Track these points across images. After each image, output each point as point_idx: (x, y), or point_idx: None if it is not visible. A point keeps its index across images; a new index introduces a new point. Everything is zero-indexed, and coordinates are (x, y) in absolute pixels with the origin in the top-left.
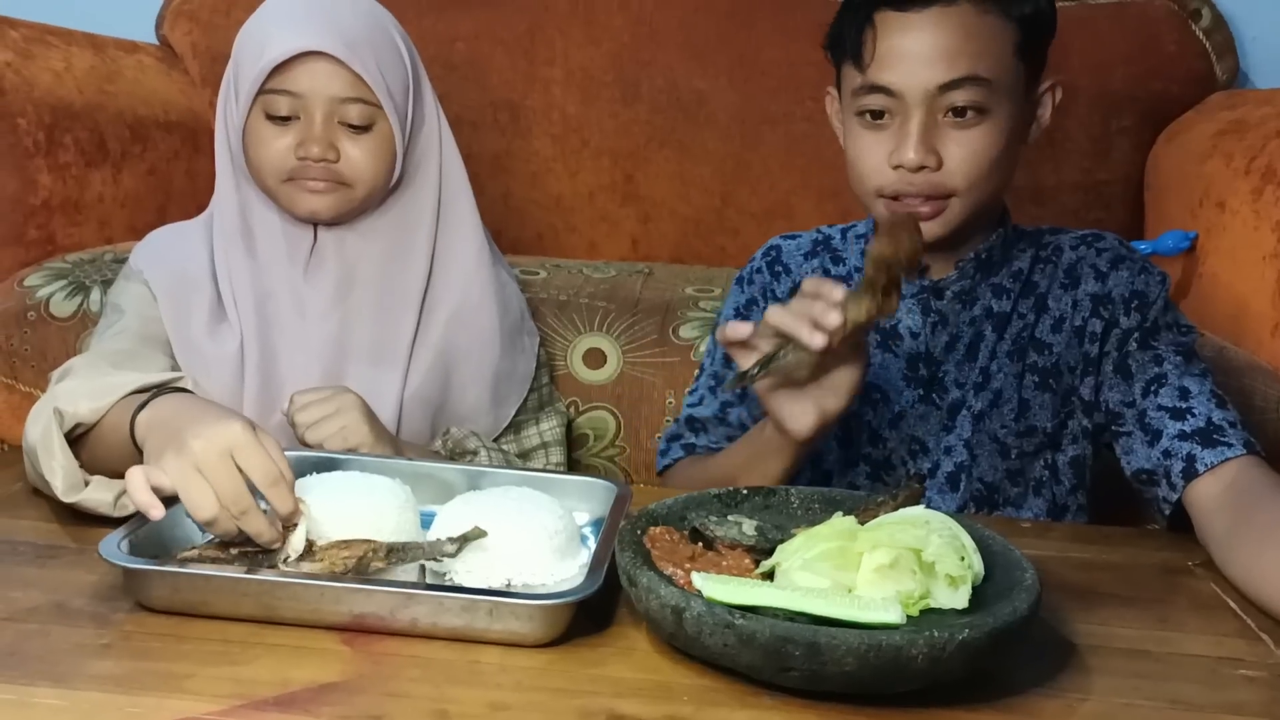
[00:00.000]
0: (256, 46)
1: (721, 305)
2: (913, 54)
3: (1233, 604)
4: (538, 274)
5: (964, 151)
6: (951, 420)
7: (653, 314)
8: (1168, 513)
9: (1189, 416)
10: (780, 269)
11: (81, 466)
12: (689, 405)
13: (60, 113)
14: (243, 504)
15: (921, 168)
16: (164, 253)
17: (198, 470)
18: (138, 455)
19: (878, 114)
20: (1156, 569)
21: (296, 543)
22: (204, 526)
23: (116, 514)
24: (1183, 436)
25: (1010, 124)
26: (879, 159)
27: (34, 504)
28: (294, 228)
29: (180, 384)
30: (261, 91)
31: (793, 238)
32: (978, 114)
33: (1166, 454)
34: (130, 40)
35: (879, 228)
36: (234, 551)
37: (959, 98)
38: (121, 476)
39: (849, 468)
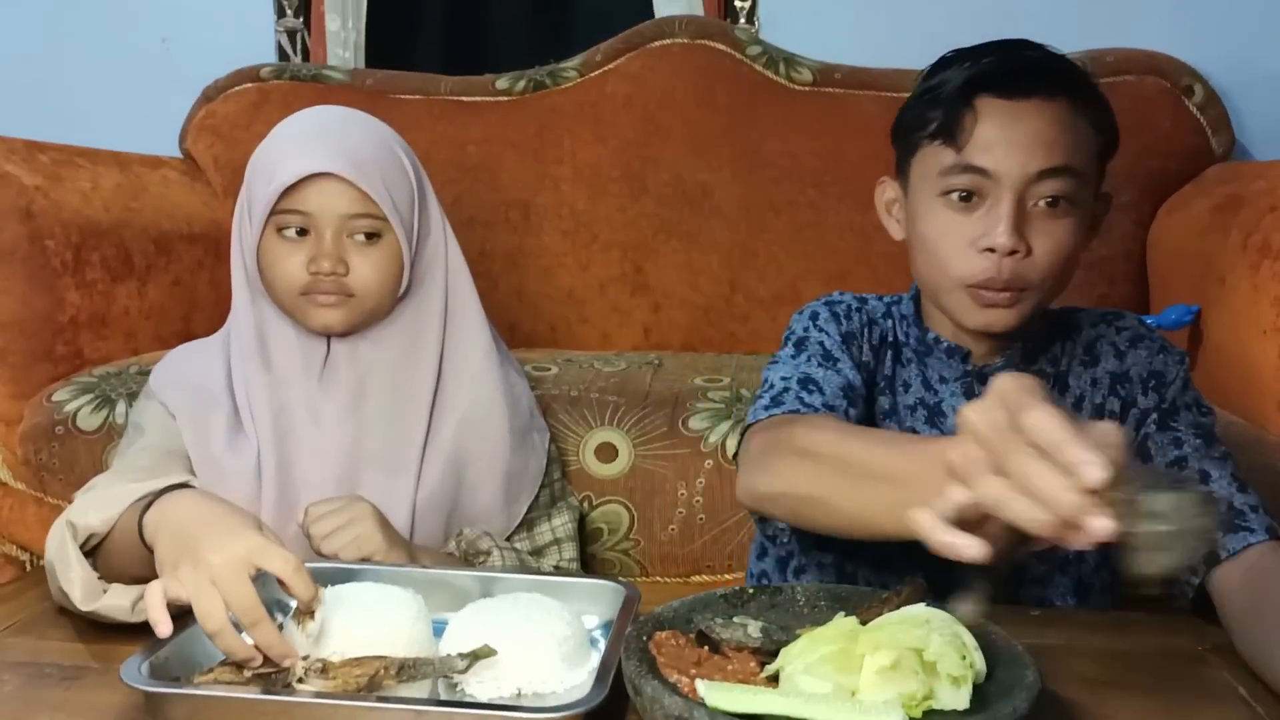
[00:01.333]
0: (268, 170)
1: (799, 320)
2: (1013, 140)
3: (1243, 692)
4: (549, 370)
5: (1050, 242)
6: None
7: (662, 406)
8: (1190, 595)
9: None
10: (868, 318)
11: (101, 576)
12: (778, 374)
13: (87, 231)
14: (254, 615)
15: (1013, 252)
16: (181, 372)
17: (212, 583)
18: (150, 557)
19: (967, 195)
20: (1165, 656)
21: (313, 628)
22: (211, 638)
23: (134, 619)
24: None
25: (1086, 222)
26: (964, 241)
27: (60, 623)
28: (308, 340)
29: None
30: (274, 212)
31: (859, 298)
32: (1067, 204)
33: None
34: (155, 156)
35: (896, 593)
36: (249, 673)
37: (1053, 187)
38: (139, 582)
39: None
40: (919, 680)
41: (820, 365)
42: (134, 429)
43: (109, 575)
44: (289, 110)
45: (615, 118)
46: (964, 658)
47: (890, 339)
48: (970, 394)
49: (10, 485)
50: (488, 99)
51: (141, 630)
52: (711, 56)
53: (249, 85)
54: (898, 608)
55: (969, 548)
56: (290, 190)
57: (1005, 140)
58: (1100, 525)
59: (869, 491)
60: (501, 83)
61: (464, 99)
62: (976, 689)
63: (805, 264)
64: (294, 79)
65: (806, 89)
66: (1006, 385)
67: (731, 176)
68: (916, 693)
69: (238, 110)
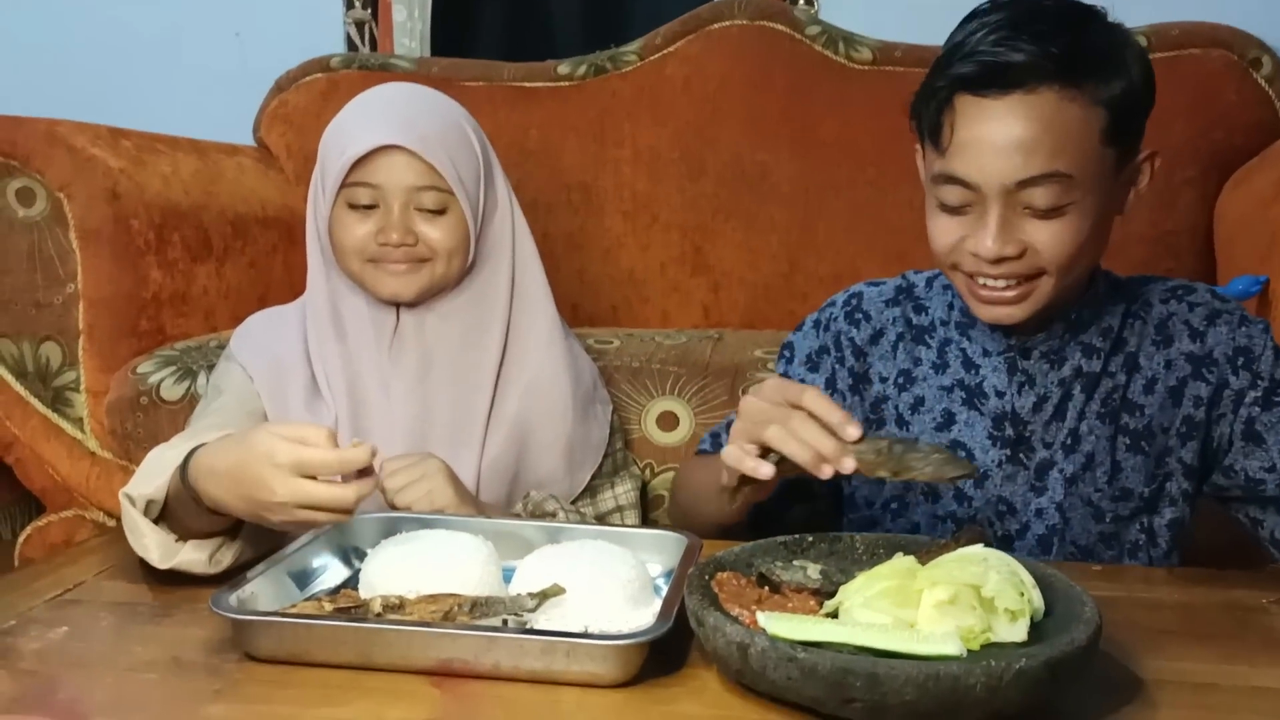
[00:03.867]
0: (339, 145)
1: (791, 335)
2: (990, 145)
3: None
4: (611, 343)
5: (1049, 239)
6: (1041, 482)
7: (723, 376)
8: None
9: None
10: (860, 315)
11: (176, 536)
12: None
13: (169, 213)
14: (328, 470)
15: (1001, 259)
16: (259, 340)
17: (287, 502)
18: (206, 512)
19: (956, 207)
20: (1228, 607)
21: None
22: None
23: (213, 570)
24: None
25: (1098, 207)
26: (954, 240)
27: (150, 569)
28: (379, 311)
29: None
30: (344, 185)
31: (876, 284)
32: (1060, 206)
33: None
34: (230, 144)
35: (955, 538)
36: (329, 608)
37: (1038, 196)
38: (211, 535)
39: (934, 526)
40: (976, 615)
41: None
42: (213, 390)
43: (182, 534)
44: None
45: (675, 100)
46: (1021, 594)
47: (903, 328)
48: (1013, 369)
49: (98, 455)
50: (549, 85)
51: (226, 577)
52: (770, 37)
53: (319, 75)
54: (957, 549)
55: (763, 467)
56: (359, 164)
57: (982, 146)
58: (848, 464)
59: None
60: (563, 68)
61: (526, 85)
62: (1034, 626)
63: (864, 243)
64: (363, 68)
65: (866, 68)
66: (779, 383)
67: (790, 157)
68: (974, 626)
69: (309, 100)
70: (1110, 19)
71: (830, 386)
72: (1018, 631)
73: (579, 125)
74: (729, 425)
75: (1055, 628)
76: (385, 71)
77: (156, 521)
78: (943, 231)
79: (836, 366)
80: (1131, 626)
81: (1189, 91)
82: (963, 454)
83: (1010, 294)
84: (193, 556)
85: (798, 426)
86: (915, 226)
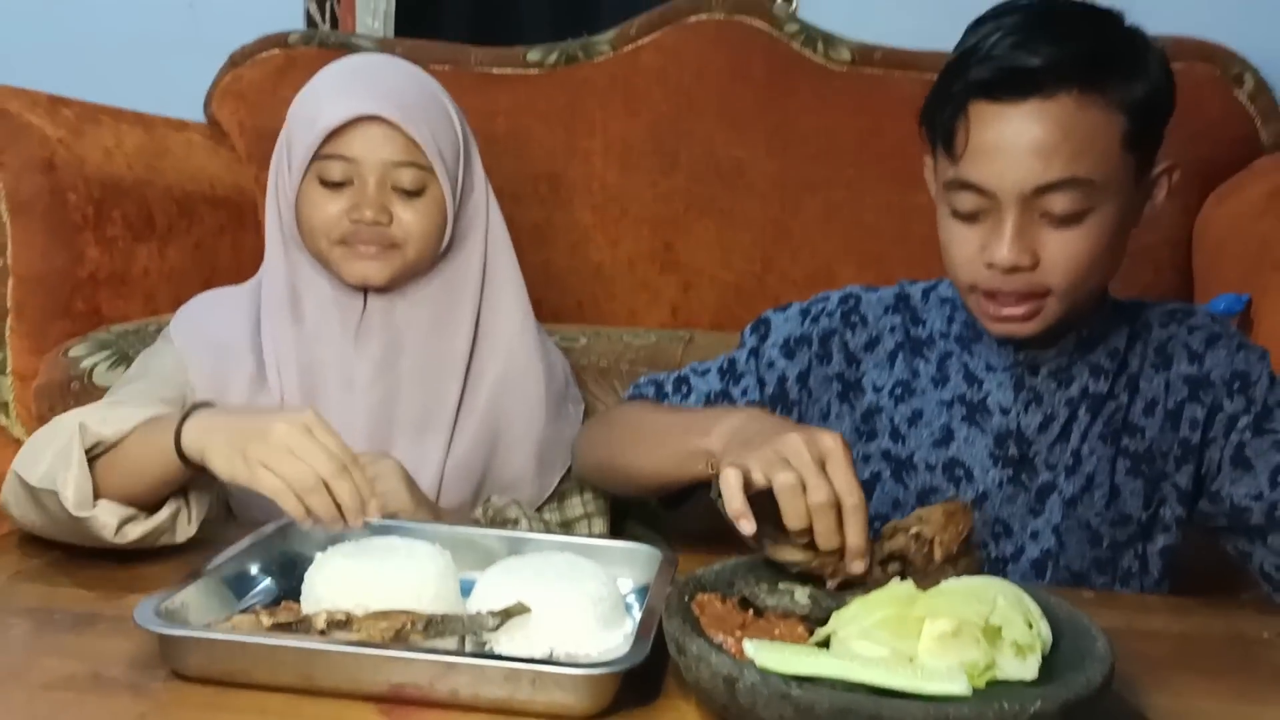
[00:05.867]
0: (310, 113)
1: (770, 313)
2: (1007, 151)
3: None
4: (578, 341)
5: (1063, 252)
6: (1040, 504)
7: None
8: None
9: None
10: (857, 319)
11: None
12: (693, 370)
13: (109, 188)
14: (338, 462)
15: (1016, 268)
16: (203, 322)
17: (289, 450)
18: (171, 471)
19: (971, 214)
20: (1230, 640)
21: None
22: (303, 496)
23: (116, 541)
24: None
25: (1116, 217)
26: (971, 252)
27: (70, 572)
28: (345, 295)
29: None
30: (316, 157)
31: (872, 290)
32: (1079, 213)
33: None
34: (179, 119)
35: (936, 513)
36: (268, 622)
37: (1056, 202)
38: (127, 503)
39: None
40: (981, 649)
41: (716, 374)
42: (137, 368)
43: (100, 489)
44: None
45: (648, 91)
46: (1030, 625)
47: (901, 337)
48: (1020, 385)
49: (24, 440)
50: (518, 71)
51: (156, 580)
52: (747, 33)
53: (276, 51)
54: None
55: (747, 524)
56: (333, 135)
57: (998, 152)
58: (857, 567)
59: (649, 446)
60: (533, 55)
61: (494, 71)
62: (1042, 661)
63: (840, 244)
64: (322, 46)
65: (845, 68)
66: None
67: (766, 153)
68: (978, 661)
69: (264, 76)
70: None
71: (801, 382)
72: (1028, 669)
73: (548, 114)
74: (679, 380)
75: (1064, 663)
76: (345, 50)
77: None
78: (958, 243)
79: (815, 363)
80: (1134, 658)
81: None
82: (960, 473)
83: (1020, 310)
84: (104, 518)
85: (820, 508)
86: (892, 229)
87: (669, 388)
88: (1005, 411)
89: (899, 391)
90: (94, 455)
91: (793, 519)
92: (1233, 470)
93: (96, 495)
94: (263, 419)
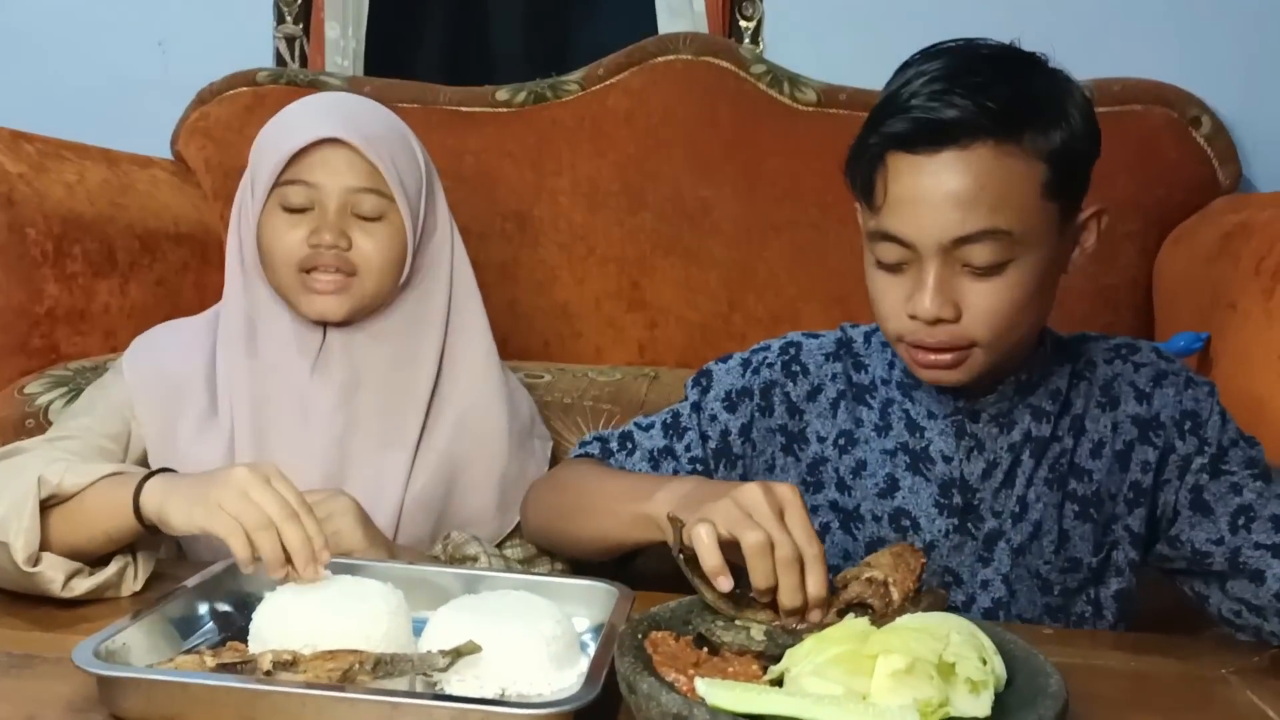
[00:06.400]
0: (275, 140)
1: (713, 365)
2: (924, 202)
3: (1273, 715)
4: (542, 378)
5: (985, 304)
6: (989, 551)
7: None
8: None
9: None
10: (798, 369)
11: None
12: (637, 425)
13: (70, 224)
14: (290, 509)
15: (939, 320)
16: (158, 356)
17: (244, 494)
18: (124, 529)
19: (894, 265)
20: (1187, 678)
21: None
22: (252, 534)
23: (63, 594)
24: None
25: (1040, 266)
26: (896, 303)
27: (10, 611)
28: (304, 328)
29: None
30: (278, 184)
31: (814, 336)
32: (1000, 265)
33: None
34: (145, 156)
35: (885, 556)
36: (212, 663)
37: (976, 254)
38: (75, 558)
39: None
40: (934, 685)
41: (659, 430)
42: (86, 402)
43: (48, 540)
44: None
45: (616, 132)
46: (984, 661)
47: (843, 385)
48: (962, 432)
49: None
50: (487, 110)
51: (99, 620)
52: (715, 74)
53: (244, 89)
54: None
55: (726, 581)
56: (295, 161)
57: (916, 203)
58: (815, 616)
59: (595, 513)
60: (502, 94)
61: (463, 109)
62: (995, 699)
63: (806, 284)
64: (290, 84)
65: (810, 109)
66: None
67: (732, 194)
68: (932, 699)
69: (231, 113)
70: (1051, 65)
71: (744, 435)
72: (981, 706)
73: (516, 153)
74: (623, 436)
75: (1018, 701)
76: (314, 88)
77: None
78: (883, 294)
79: (757, 415)
80: (1089, 698)
81: (1131, 147)
82: (907, 523)
83: (946, 358)
84: (52, 574)
85: (786, 565)
86: (857, 269)
87: (614, 444)
88: (948, 460)
89: (842, 441)
90: (48, 505)
91: (761, 579)
92: (1191, 514)
93: (44, 546)
94: (225, 470)
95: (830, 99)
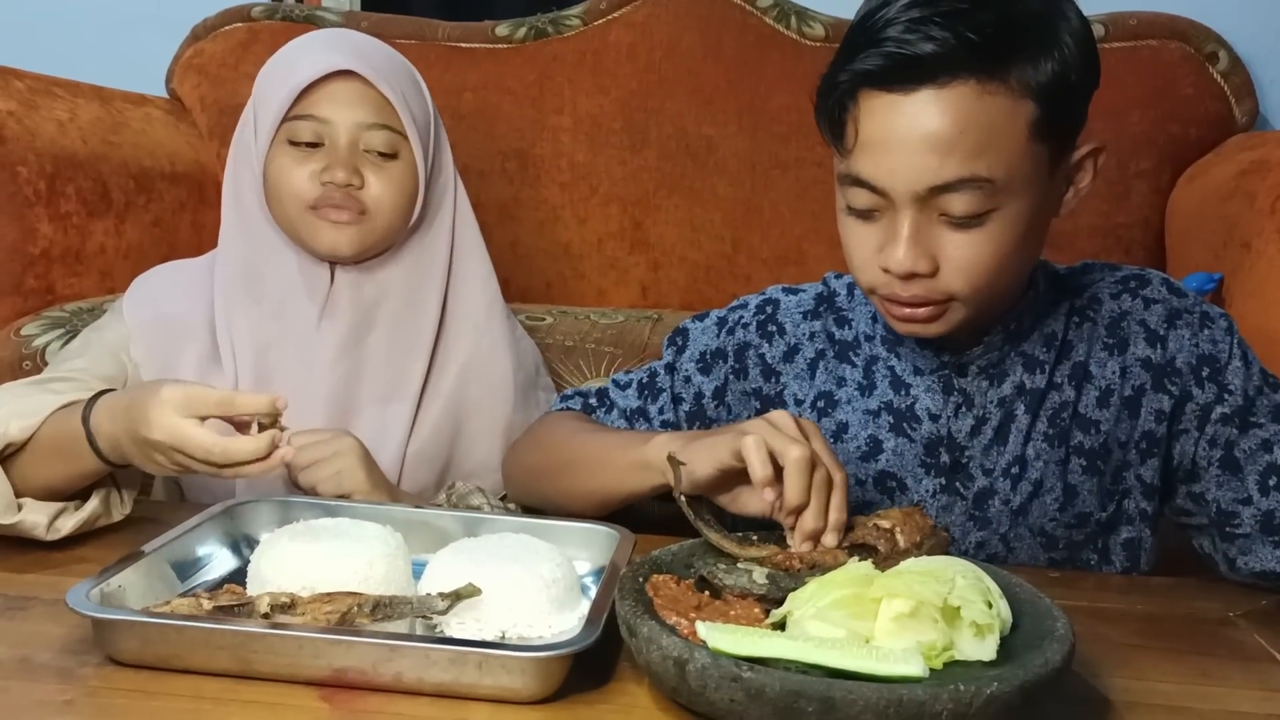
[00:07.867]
0: (282, 74)
1: (689, 323)
2: (898, 146)
3: (1279, 655)
4: (544, 320)
5: (964, 256)
6: (980, 510)
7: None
8: None
9: None
10: (774, 328)
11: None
12: (614, 382)
13: (63, 162)
14: (216, 452)
15: (914, 274)
16: (158, 297)
17: (173, 452)
18: (90, 457)
19: (865, 211)
20: (1194, 620)
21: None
22: (218, 469)
23: (49, 538)
24: None
25: (1026, 213)
26: (869, 253)
27: (5, 555)
28: (311, 267)
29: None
30: (286, 119)
31: (793, 292)
32: (981, 214)
33: None
34: (139, 93)
35: (894, 512)
36: (209, 605)
37: (955, 203)
38: (50, 496)
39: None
40: (939, 629)
41: (635, 390)
42: (82, 342)
43: (20, 488)
44: None
45: (618, 67)
46: (989, 604)
47: (823, 344)
48: (949, 389)
49: None
50: (486, 46)
51: (96, 562)
52: (719, 7)
53: (239, 25)
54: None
55: (769, 492)
56: (304, 96)
57: (890, 147)
58: (830, 540)
59: (588, 468)
60: (501, 29)
61: (461, 45)
62: (1001, 642)
63: (811, 223)
64: (286, 20)
65: (818, 44)
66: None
67: (737, 131)
68: (936, 643)
69: (226, 50)
70: None
71: (718, 398)
72: (986, 649)
73: (516, 89)
74: (601, 393)
75: (1024, 644)
76: (310, 24)
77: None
78: (855, 242)
79: (731, 378)
80: (1096, 640)
81: (1145, 82)
82: (893, 484)
83: (922, 313)
84: (33, 519)
85: (819, 484)
86: None
87: (593, 400)
88: (935, 418)
89: (821, 404)
90: (6, 456)
91: (796, 494)
92: (1220, 472)
93: (22, 492)
94: (138, 426)
95: (839, 34)
